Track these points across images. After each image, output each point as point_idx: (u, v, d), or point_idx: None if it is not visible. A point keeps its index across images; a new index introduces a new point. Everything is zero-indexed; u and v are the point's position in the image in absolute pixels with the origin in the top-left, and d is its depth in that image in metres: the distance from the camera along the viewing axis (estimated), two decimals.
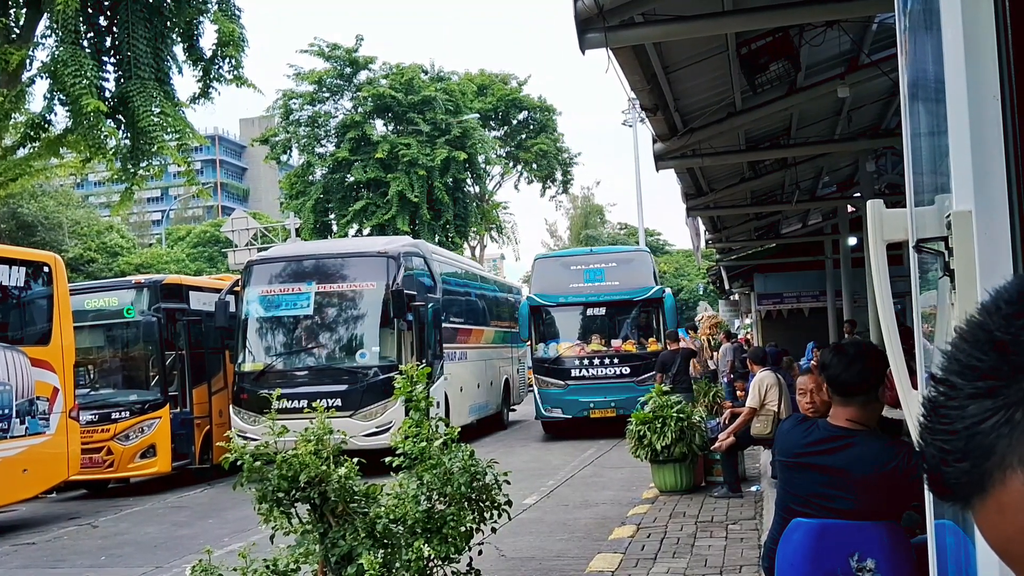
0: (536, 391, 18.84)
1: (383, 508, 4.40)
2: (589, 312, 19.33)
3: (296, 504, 4.48)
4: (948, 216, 1.58)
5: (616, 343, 18.90)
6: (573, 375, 18.47)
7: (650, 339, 18.97)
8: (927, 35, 1.81)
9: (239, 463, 4.40)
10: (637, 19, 7.32)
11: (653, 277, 19.59)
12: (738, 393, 15.53)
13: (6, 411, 11.27)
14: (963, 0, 1.52)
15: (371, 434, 13.91)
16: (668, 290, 19.81)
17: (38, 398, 11.85)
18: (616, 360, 18.48)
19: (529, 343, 19.56)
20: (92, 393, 14.71)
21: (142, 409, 14.53)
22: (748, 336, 31.46)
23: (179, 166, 18.99)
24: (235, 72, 18.78)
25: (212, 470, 15.47)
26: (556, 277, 19.55)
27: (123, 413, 14.44)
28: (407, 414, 5.00)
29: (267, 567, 4.23)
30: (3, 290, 11.86)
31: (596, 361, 18.46)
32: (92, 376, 15.29)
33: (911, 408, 2.00)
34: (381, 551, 4.23)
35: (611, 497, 11.51)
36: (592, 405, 18.18)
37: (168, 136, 17.86)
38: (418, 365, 5.21)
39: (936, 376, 0.79)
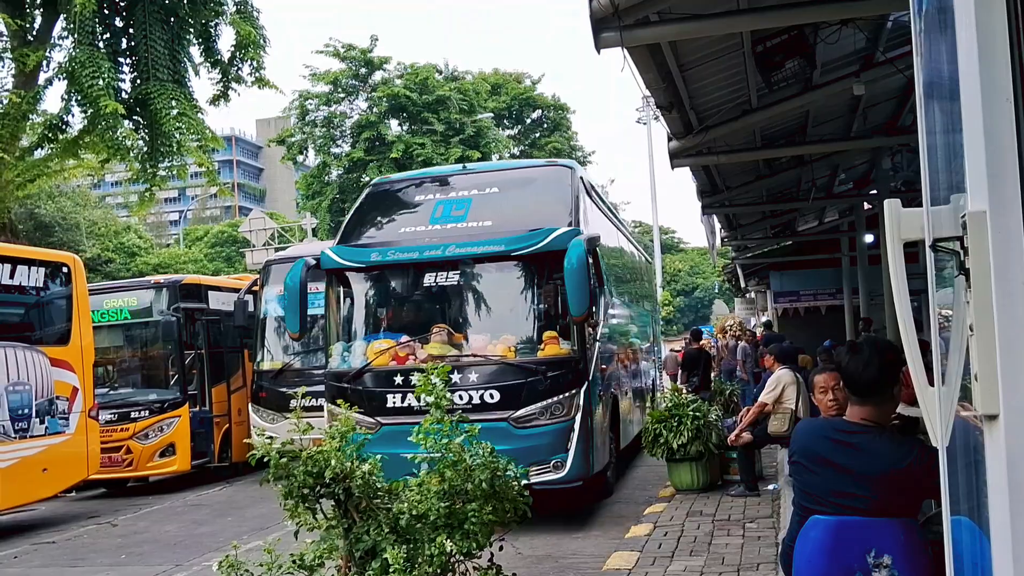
0: None
1: (406, 504, 4.48)
2: (427, 281, 10.14)
3: (321, 500, 4.55)
4: (963, 216, 1.62)
5: (478, 341, 9.83)
6: (390, 405, 9.52)
7: (546, 333, 9.70)
8: (941, 37, 1.83)
9: (265, 459, 4.47)
10: (652, 18, 7.35)
11: (571, 212, 9.89)
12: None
13: (26, 411, 11.39)
14: (976, 3, 1.55)
15: None
16: (584, 236, 9.27)
17: (57, 398, 11.95)
18: (475, 376, 9.42)
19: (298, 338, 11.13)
20: (111, 392, 14.82)
21: (161, 408, 14.64)
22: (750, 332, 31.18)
23: (200, 166, 19.13)
24: (256, 74, 18.90)
25: (231, 468, 15.60)
26: (385, 217, 10.88)
27: (142, 412, 14.56)
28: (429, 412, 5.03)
29: (293, 562, 4.31)
30: (23, 290, 11.97)
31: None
32: (111, 375, 15.41)
33: (928, 404, 2.02)
34: (404, 546, 4.31)
35: (627, 495, 11.51)
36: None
37: (187, 136, 18.02)
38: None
39: None
